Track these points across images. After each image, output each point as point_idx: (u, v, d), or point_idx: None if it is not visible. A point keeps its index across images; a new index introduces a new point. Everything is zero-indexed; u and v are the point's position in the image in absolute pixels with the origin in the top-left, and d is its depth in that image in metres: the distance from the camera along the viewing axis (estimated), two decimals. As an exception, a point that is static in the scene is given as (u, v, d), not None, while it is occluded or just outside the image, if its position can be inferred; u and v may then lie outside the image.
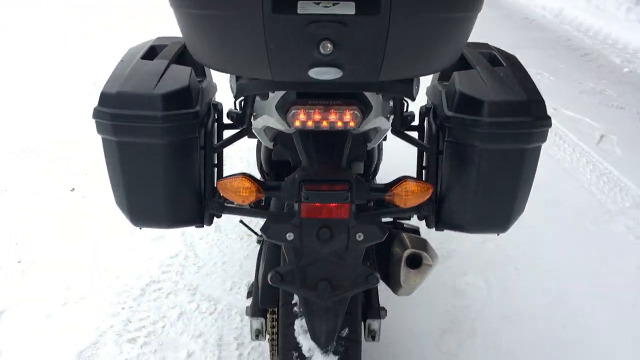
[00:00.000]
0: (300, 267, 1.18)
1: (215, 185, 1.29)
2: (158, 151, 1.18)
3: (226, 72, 1.11)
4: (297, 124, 1.14)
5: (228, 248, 2.44)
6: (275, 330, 1.49)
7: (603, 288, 2.27)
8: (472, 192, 1.20)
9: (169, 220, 1.27)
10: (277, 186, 1.18)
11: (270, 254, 1.39)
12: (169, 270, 2.29)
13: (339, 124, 1.14)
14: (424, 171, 1.33)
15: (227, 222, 2.60)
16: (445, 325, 2.05)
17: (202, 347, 1.92)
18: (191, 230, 2.54)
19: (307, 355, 1.30)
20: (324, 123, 1.14)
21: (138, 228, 1.31)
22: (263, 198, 1.32)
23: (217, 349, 1.92)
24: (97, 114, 1.17)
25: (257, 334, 1.51)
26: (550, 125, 1.17)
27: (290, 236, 1.15)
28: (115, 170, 1.21)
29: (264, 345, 1.92)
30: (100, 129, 1.19)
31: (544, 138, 1.17)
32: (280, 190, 1.17)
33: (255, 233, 1.97)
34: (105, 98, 1.17)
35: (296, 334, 1.30)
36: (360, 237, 1.15)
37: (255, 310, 1.48)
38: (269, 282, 1.21)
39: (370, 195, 1.17)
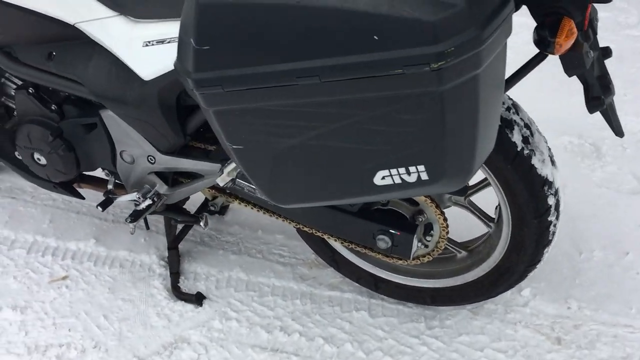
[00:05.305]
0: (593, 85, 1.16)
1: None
2: (476, 82, 0.93)
3: None
4: None
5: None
6: (446, 223, 1.46)
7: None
8: None
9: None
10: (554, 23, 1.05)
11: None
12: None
13: None
14: None
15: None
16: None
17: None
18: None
19: (552, 180, 1.33)
20: None
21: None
22: None
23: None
24: (439, 56, 0.85)
25: (427, 245, 1.48)
26: None
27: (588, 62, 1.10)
28: (435, 135, 0.98)
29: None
30: (423, 81, 0.89)
31: None
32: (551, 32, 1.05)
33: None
34: (428, 32, 0.85)
35: (539, 171, 1.30)
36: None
37: (411, 227, 1.44)
38: (592, 111, 1.17)
39: None
